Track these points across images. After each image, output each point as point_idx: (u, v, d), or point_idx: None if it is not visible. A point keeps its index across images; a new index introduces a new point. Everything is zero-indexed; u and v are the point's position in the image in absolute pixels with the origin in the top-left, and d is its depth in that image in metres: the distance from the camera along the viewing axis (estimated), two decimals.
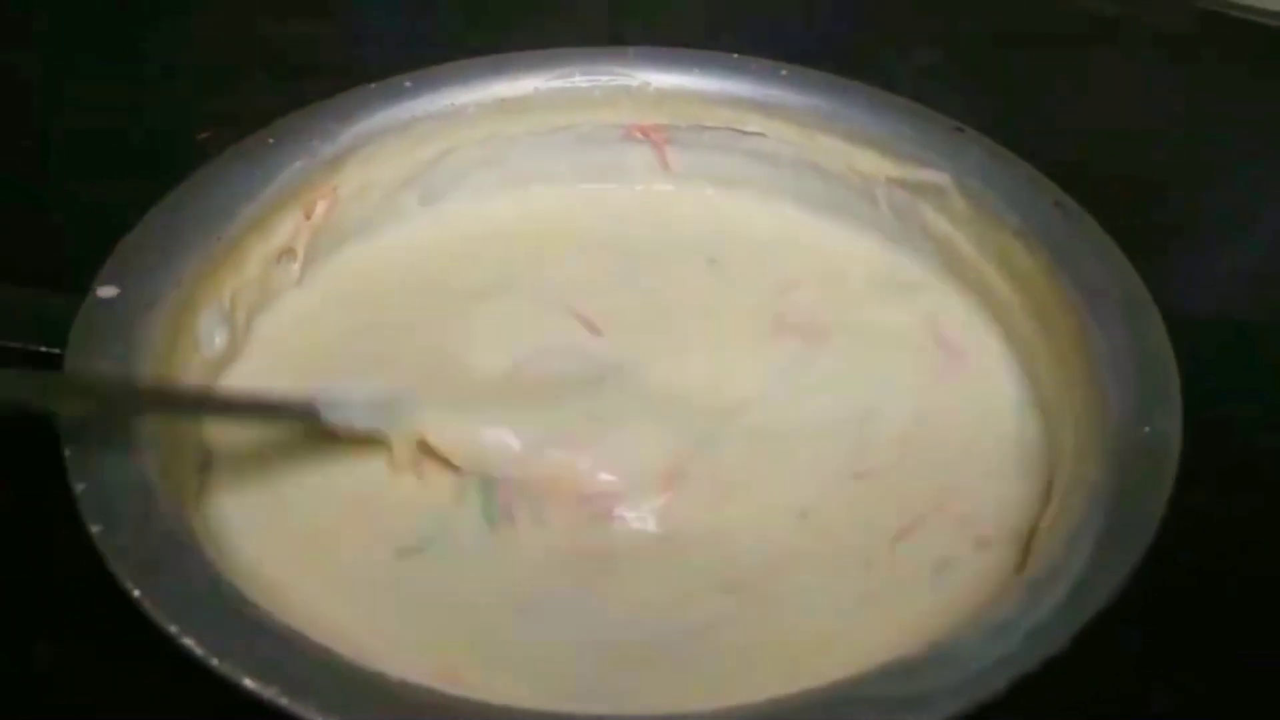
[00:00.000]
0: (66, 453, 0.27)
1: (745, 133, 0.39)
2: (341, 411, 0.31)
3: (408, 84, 0.38)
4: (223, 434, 0.32)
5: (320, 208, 0.37)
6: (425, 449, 0.31)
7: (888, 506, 0.31)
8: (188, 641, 0.23)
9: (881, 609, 0.28)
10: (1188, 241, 0.44)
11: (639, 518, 0.31)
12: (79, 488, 0.26)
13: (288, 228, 0.36)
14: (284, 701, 0.22)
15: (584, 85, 0.39)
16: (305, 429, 0.31)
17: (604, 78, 0.39)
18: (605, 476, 0.31)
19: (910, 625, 0.27)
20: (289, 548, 0.29)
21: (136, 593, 0.24)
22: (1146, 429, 0.28)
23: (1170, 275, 0.40)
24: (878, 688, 0.23)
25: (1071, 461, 0.29)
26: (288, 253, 0.36)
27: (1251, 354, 0.40)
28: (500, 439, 0.31)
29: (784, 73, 0.39)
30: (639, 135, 0.40)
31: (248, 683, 0.22)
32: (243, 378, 0.34)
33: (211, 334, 0.33)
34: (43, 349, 0.30)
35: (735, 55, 0.40)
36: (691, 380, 0.34)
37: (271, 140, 0.36)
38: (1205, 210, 0.46)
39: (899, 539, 0.30)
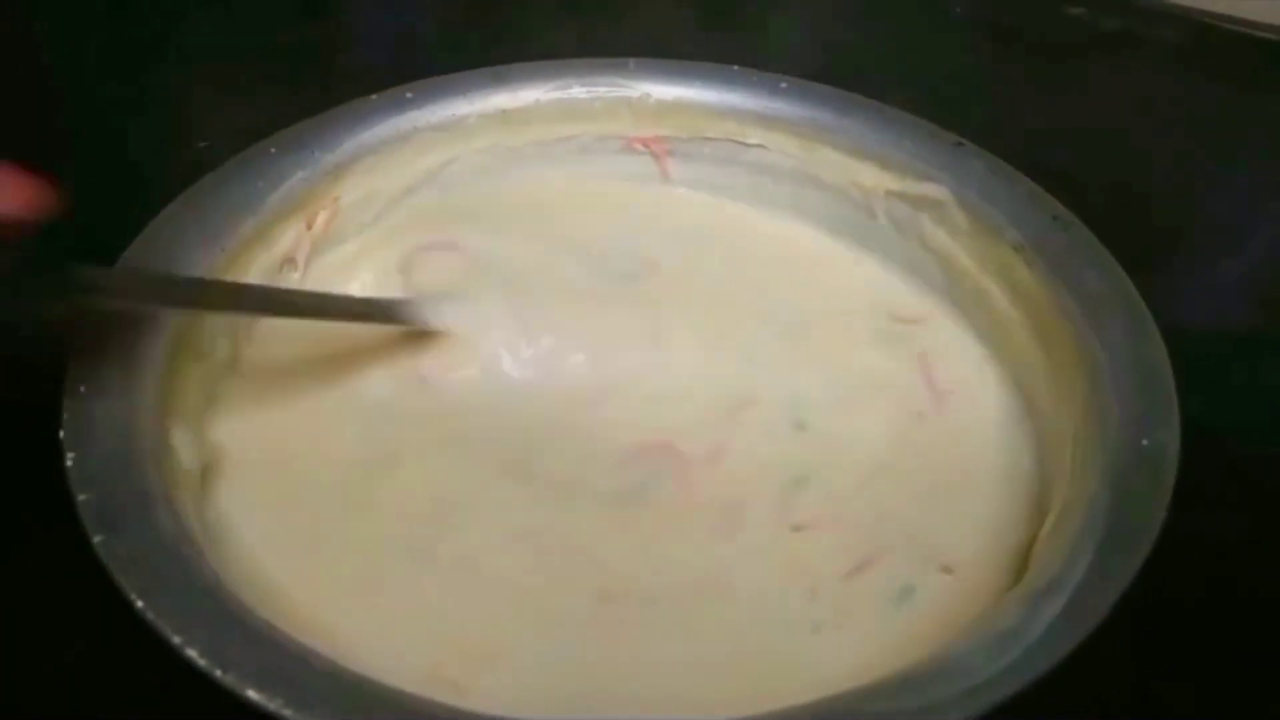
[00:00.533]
0: (69, 462, 0.27)
1: (746, 145, 0.40)
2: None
3: (409, 94, 0.39)
4: (225, 435, 0.32)
5: (321, 218, 0.37)
6: None
7: (831, 551, 0.30)
8: (191, 653, 0.23)
9: (836, 634, 0.28)
10: (1185, 253, 0.45)
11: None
12: (81, 497, 0.26)
13: (289, 237, 0.36)
14: (289, 713, 0.22)
15: (584, 97, 0.40)
16: None
17: (604, 89, 0.40)
18: None
19: (872, 650, 0.27)
20: (291, 554, 0.29)
21: (140, 603, 0.24)
22: (1145, 440, 0.28)
23: (1168, 286, 0.41)
24: (881, 701, 0.23)
25: (1070, 473, 0.29)
26: (289, 262, 0.36)
27: (1248, 364, 0.40)
28: None
29: (784, 85, 0.39)
30: (639, 146, 0.41)
31: (252, 694, 0.22)
32: (244, 383, 0.34)
33: (214, 342, 0.33)
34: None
35: (735, 67, 0.40)
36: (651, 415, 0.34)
37: (273, 150, 0.36)
38: (1202, 221, 0.46)
39: (852, 576, 0.30)
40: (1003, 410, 0.34)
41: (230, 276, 0.34)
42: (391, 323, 0.35)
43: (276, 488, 0.31)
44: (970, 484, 0.32)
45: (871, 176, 0.38)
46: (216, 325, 0.33)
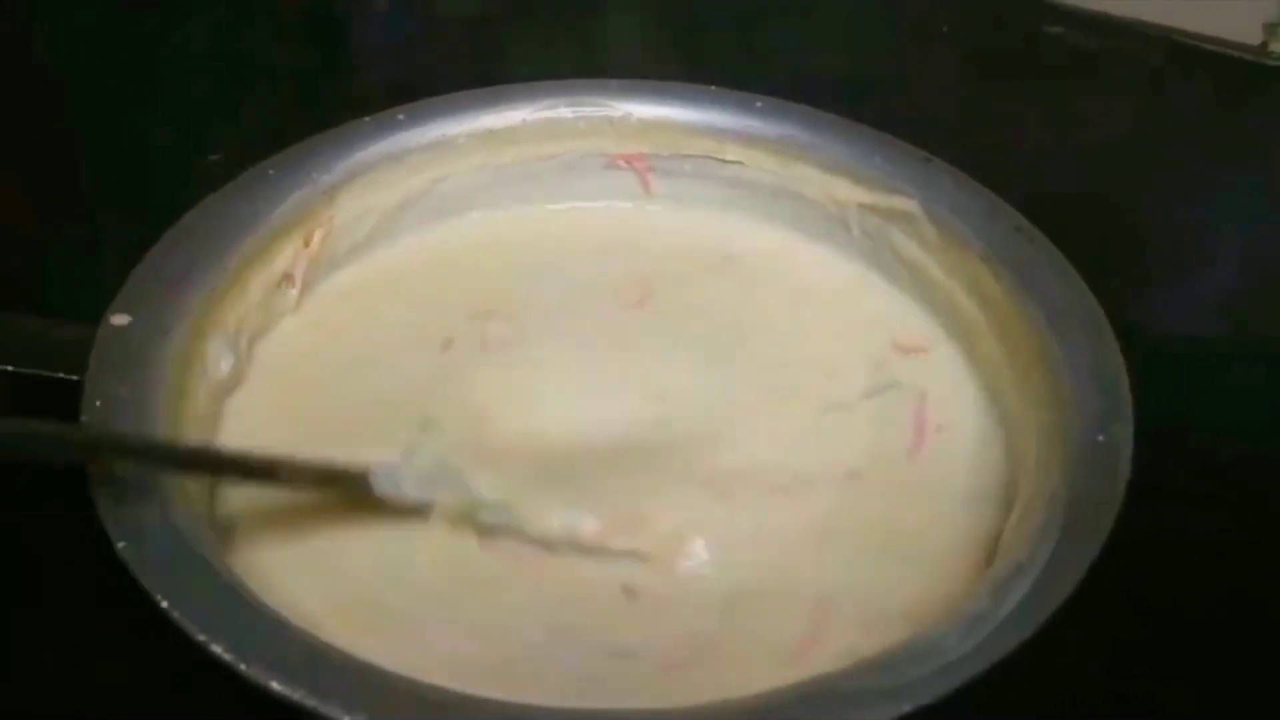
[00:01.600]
0: (90, 472, 0.28)
1: (724, 161, 0.41)
2: (394, 483, 0.30)
3: (400, 116, 0.40)
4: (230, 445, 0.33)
5: (318, 236, 0.38)
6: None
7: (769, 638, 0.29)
8: (216, 649, 0.24)
9: None
10: (1153, 264, 0.46)
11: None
12: (103, 505, 0.27)
13: (287, 255, 0.37)
14: (311, 703, 0.23)
15: (569, 116, 0.41)
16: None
17: (588, 109, 0.41)
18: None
19: None
20: (300, 558, 0.30)
21: (165, 603, 0.25)
22: (1101, 437, 0.30)
23: (1135, 296, 0.42)
24: (855, 681, 0.24)
25: (1034, 468, 0.30)
26: (287, 279, 0.38)
27: (1207, 370, 0.41)
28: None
29: (759, 104, 0.41)
30: (622, 163, 0.42)
31: (275, 686, 0.23)
32: (249, 400, 0.35)
33: (219, 359, 0.34)
34: (60, 375, 0.31)
35: (713, 87, 0.42)
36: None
37: (272, 172, 0.38)
38: (1174, 236, 0.48)
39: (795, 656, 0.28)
40: (981, 429, 0.34)
41: (233, 293, 0.35)
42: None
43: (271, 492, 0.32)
44: (937, 523, 0.32)
45: (844, 191, 0.39)
46: (221, 344, 0.35)
